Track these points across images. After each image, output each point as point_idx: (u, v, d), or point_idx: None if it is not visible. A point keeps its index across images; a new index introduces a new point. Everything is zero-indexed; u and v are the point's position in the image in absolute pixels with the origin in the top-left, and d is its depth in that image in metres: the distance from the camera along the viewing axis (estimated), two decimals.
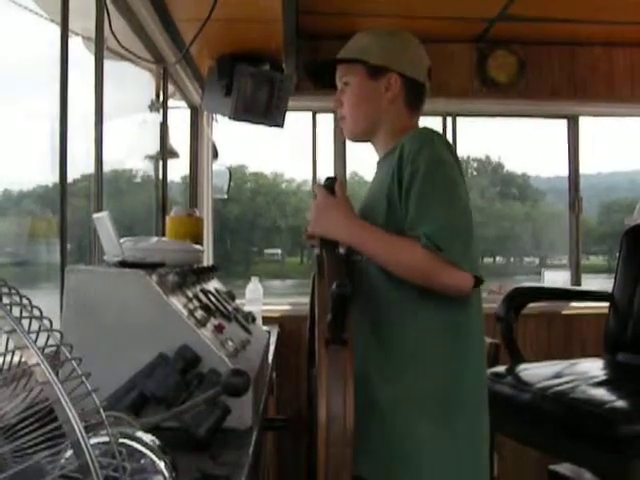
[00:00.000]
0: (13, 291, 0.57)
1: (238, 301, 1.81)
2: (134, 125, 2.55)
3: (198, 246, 1.80)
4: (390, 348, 1.37)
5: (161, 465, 0.67)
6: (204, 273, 1.60)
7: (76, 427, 0.51)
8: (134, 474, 0.64)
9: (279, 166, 5.17)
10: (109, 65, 1.86)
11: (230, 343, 1.24)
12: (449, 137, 3.35)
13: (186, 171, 3.14)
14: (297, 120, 3.27)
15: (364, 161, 2.28)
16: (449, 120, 3.40)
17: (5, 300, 0.55)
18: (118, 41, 2.01)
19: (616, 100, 3.33)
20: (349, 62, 1.51)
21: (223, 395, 0.99)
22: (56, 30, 1.59)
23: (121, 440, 0.65)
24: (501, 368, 2.40)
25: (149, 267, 1.24)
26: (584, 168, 3.53)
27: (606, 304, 2.76)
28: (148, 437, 0.69)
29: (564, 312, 3.33)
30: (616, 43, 3.27)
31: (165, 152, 2.61)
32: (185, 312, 1.21)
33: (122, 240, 1.36)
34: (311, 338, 1.42)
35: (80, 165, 1.78)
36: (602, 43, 3.28)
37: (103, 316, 1.18)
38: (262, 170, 5.38)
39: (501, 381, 2.29)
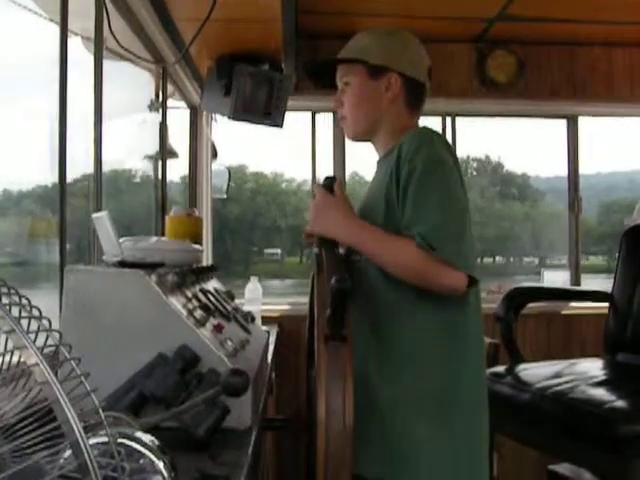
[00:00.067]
0: (12, 291, 0.57)
1: (237, 301, 1.81)
2: (133, 125, 2.55)
3: (197, 246, 1.80)
4: (389, 348, 1.37)
5: (160, 465, 0.67)
6: (203, 273, 1.59)
7: (75, 427, 0.51)
8: (133, 474, 0.64)
9: (279, 166, 5.17)
10: (108, 65, 1.86)
11: (229, 343, 1.24)
12: (449, 137, 3.36)
13: (185, 171, 3.14)
14: (296, 120, 3.27)
15: (364, 161, 2.29)
16: (448, 120, 3.40)
17: (4, 300, 0.55)
18: (117, 41, 2.01)
19: (615, 100, 3.33)
20: (349, 62, 1.51)
21: (222, 395, 0.99)
22: (55, 30, 1.59)
23: (120, 440, 0.65)
24: (500, 368, 2.40)
25: (148, 267, 1.24)
26: (583, 168, 3.53)
27: (606, 304, 2.76)
28: (147, 437, 0.69)
29: (564, 312, 3.33)
30: (615, 43, 3.27)
31: (164, 152, 2.61)
32: (184, 312, 1.21)
33: (121, 240, 1.36)
34: (310, 338, 1.42)
35: (79, 165, 1.78)
36: (601, 43, 3.28)
37: (102, 316, 1.18)
38: (262, 170, 5.38)
39: (500, 381, 2.29)
